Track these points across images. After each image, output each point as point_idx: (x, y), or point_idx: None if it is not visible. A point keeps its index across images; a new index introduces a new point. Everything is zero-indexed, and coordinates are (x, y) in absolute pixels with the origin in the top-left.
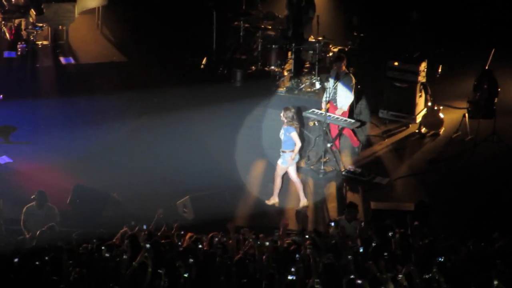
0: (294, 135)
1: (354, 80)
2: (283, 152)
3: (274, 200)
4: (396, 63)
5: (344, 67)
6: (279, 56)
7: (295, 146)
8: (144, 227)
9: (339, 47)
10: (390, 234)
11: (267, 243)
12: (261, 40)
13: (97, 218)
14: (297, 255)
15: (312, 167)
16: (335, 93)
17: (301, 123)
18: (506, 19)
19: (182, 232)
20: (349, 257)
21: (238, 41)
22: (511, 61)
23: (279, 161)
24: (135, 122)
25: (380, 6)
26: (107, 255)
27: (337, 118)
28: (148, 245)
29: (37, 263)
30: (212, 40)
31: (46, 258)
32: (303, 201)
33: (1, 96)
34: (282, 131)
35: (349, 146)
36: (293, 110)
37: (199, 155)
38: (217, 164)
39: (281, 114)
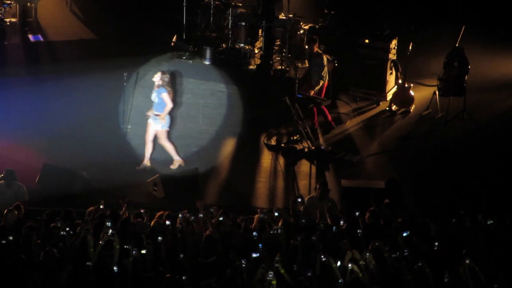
0: (165, 96)
1: (326, 60)
2: (156, 115)
3: (147, 163)
4: (366, 41)
5: (316, 48)
6: (250, 34)
7: (165, 107)
8: (101, 206)
9: (310, 25)
10: (357, 213)
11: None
12: (231, 18)
13: (67, 197)
14: (254, 233)
15: (282, 145)
16: (309, 73)
17: (175, 89)
18: None
19: (142, 211)
20: (313, 237)
21: (208, 19)
22: (481, 38)
23: (156, 126)
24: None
25: None
26: (71, 233)
27: (308, 96)
28: (109, 223)
29: (3, 242)
30: (182, 18)
31: (11, 238)
32: (178, 160)
33: None
34: (154, 94)
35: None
36: (168, 75)
37: (171, 134)
38: (189, 142)
39: (157, 77)
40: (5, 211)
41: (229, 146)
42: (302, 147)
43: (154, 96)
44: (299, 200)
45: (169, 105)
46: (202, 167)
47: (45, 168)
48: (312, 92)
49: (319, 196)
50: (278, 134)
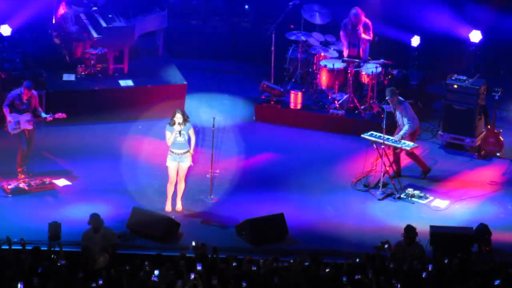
0: (192, 131)
1: (409, 107)
2: (189, 152)
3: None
4: (455, 86)
5: (397, 98)
6: (337, 78)
7: (192, 142)
8: (193, 243)
9: (398, 70)
10: (445, 259)
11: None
12: (319, 63)
13: (155, 240)
14: (343, 278)
15: (369, 190)
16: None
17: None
18: None
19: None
20: (401, 283)
21: (296, 63)
22: None
23: (186, 164)
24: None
25: (440, 27)
26: (156, 278)
27: (395, 140)
28: (199, 267)
29: (94, 285)
30: (271, 63)
31: (101, 282)
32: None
33: (62, 114)
34: (181, 133)
35: (410, 169)
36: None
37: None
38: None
39: (179, 116)
40: (96, 255)
41: (316, 190)
42: (389, 191)
43: (182, 135)
44: (386, 246)
45: (195, 138)
46: (289, 211)
47: (134, 211)
48: (400, 138)
49: (407, 242)
50: (365, 178)
